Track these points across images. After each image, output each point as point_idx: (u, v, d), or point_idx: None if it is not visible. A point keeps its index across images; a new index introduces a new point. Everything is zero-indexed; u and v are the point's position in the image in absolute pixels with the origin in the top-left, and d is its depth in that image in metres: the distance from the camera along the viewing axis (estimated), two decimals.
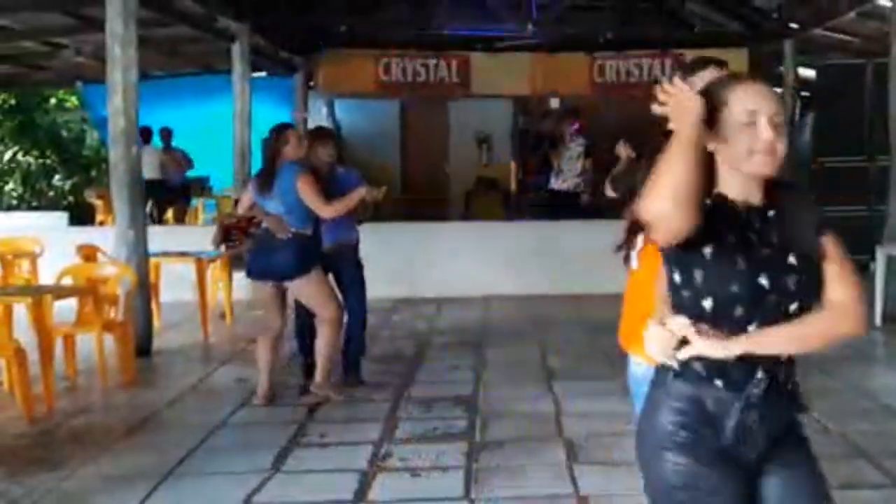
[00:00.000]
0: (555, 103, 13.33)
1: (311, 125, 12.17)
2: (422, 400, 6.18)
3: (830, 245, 2.16)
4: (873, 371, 7.12)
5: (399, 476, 4.78)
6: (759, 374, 2.12)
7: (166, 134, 12.80)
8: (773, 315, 2.13)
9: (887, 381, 6.79)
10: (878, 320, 8.28)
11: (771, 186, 2.16)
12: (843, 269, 2.15)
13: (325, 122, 13.34)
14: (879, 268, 8.45)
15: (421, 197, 13.28)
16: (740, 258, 2.10)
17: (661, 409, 2.18)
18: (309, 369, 6.25)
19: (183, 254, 8.61)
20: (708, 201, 2.10)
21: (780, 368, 2.16)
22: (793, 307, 2.14)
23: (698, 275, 2.12)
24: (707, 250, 2.10)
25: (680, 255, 2.12)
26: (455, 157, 14.22)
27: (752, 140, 2.08)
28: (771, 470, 2.19)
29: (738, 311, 2.12)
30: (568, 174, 11.46)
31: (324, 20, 12.11)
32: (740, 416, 2.11)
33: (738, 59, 13.22)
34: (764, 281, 2.11)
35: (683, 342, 2.11)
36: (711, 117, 2.08)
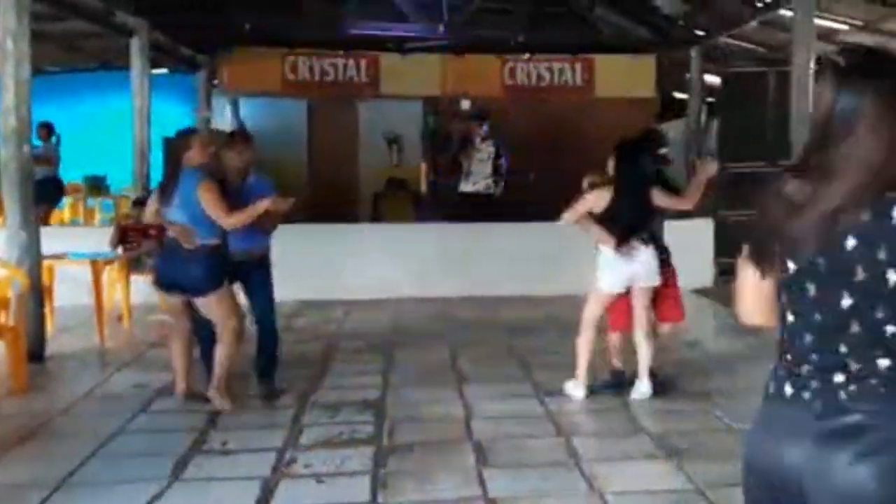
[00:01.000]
0: (465, 105, 13.30)
1: (214, 124, 11.90)
2: (328, 405, 6.05)
3: None
4: None
5: (304, 483, 4.67)
6: None
7: (44, 131, 11.79)
8: None
9: None
10: None
11: None
12: None
13: (230, 122, 13.07)
14: None
15: (329, 198, 13.10)
16: None
17: None
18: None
19: (59, 256, 8.27)
20: None
21: None
22: None
23: None
24: None
25: None
26: (364, 157, 14.08)
27: None
28: None
29: None
30: (478, 176, 11.42)
31: (228, 17, 11.84)
32: None
33: (646, 64, 13.46)
34: None
35: None
36: None
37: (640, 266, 6.01)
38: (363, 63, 13.21)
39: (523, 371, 6.97)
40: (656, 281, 6.06)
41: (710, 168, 6.11)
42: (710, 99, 13.74)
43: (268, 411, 5.93)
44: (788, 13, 9.75)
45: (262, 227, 5.92)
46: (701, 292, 10.04)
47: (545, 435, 5.41)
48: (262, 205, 5.61)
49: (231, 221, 5.57)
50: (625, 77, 13.32)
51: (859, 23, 11.22)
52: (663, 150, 6.36)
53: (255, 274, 6.13)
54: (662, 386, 6.26)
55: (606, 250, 6.04)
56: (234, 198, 5.64)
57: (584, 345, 6.18)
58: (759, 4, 10.73)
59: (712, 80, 13.84)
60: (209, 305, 5.71)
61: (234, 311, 5.78)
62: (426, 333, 8.60)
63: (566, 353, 6.46)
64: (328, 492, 4.56)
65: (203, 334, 5.99)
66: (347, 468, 4.85)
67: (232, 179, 5.89)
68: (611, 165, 6.10)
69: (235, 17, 11.82)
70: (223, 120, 12.90)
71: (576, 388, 6.18)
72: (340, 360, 7.45)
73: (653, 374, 6.22)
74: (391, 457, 5.03)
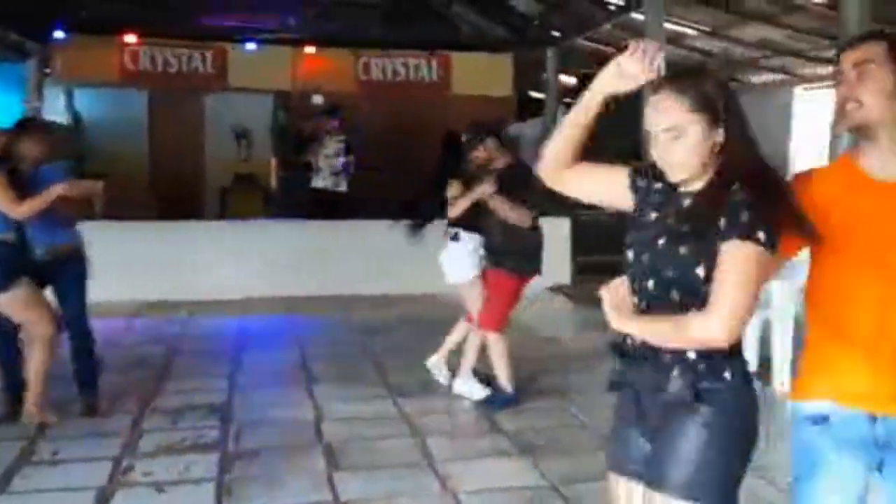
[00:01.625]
0: (318, 100, 13.00)
1: (47, 115, 11.23)
2: (169, 410, 5.73)
3: (727, 254, 2.08)
4: None
5: (143, 491, 4.42)
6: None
7: None
8: (643, 294, 2.24)
9: None
10: None
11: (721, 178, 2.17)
12: (722, 280, 2.08)
13: (64, 113, 12.38)
14: None
15: (173, 192, 12.56)
16: (632, 228, 2.31)
17: None
18: (13, 389, 5.55)
19: None
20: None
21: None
22: (649, 284, 2.23)
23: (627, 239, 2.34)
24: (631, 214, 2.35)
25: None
26: (211, 151, 13.60)
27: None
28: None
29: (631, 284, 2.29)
30: (326, 172, 11.22)
31: (62, 2, 11.18)
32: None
33: (503, 63, 13.51)
34: (630, 254, 2.28)
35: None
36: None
37: (445, 260, 6.08)
38: (209, 55, 12.71)
39: (377, 371, 6.81)
40: (458, 279, 6.04)
41: (487, 187, 5.72)
42: (566, 99, 13.92)
43: (103, 418, 5.54)
44: (640, 17, 9.93)
45: (62, 217, 5.51)
46: (558, 290, 10.12)
47: (399, 436, 5.30)
48: (55, 190, 5.24)
49: (22, 210, 5.19)
50: (481, 75, 13.32)
51: (707, 28, 11.58)
52: (465, 136, 6.01)
53: (65, 273, 5.63)
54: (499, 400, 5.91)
55: None
56: (26, 188, 5.25)
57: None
58: (612, 8, 10.90)
59: (568, 80, 14.03)
60: (10, 307, 5.27)
61: (44, 315, 5.36)
62: (276, 334, 8.34)
63: (421, 353, 6.37)
64: (169, 500, 4.33)
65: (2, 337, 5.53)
66: (191, 475, 4.61)
67: (25, 168, 5.48)
68: None
69: (70, 2, 11.16)
70: (56, 111, 12.20)
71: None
72: (184, 363, 7.08)
73: (491, 383, 6.02)
74: (237, 462, 4.81)
